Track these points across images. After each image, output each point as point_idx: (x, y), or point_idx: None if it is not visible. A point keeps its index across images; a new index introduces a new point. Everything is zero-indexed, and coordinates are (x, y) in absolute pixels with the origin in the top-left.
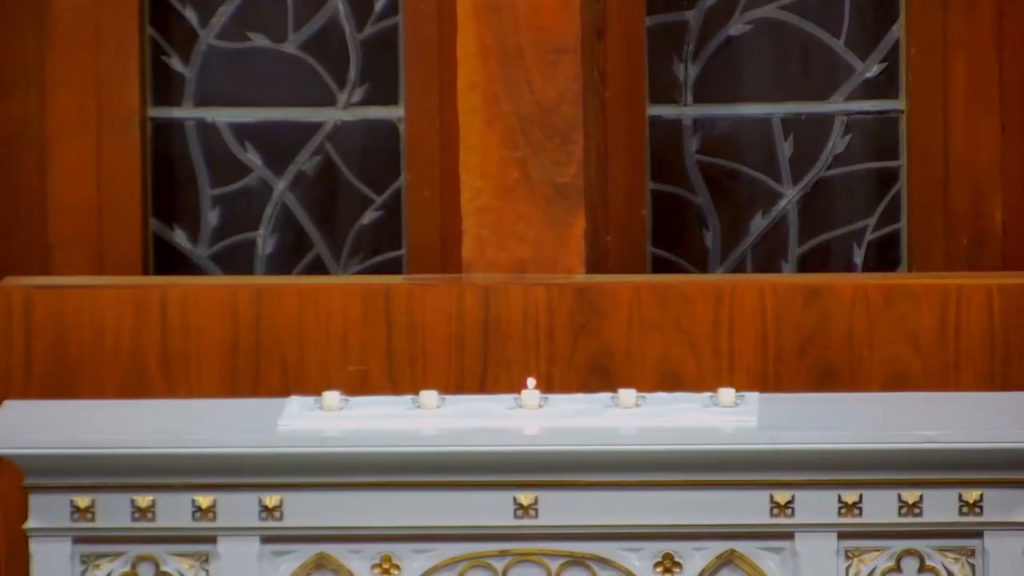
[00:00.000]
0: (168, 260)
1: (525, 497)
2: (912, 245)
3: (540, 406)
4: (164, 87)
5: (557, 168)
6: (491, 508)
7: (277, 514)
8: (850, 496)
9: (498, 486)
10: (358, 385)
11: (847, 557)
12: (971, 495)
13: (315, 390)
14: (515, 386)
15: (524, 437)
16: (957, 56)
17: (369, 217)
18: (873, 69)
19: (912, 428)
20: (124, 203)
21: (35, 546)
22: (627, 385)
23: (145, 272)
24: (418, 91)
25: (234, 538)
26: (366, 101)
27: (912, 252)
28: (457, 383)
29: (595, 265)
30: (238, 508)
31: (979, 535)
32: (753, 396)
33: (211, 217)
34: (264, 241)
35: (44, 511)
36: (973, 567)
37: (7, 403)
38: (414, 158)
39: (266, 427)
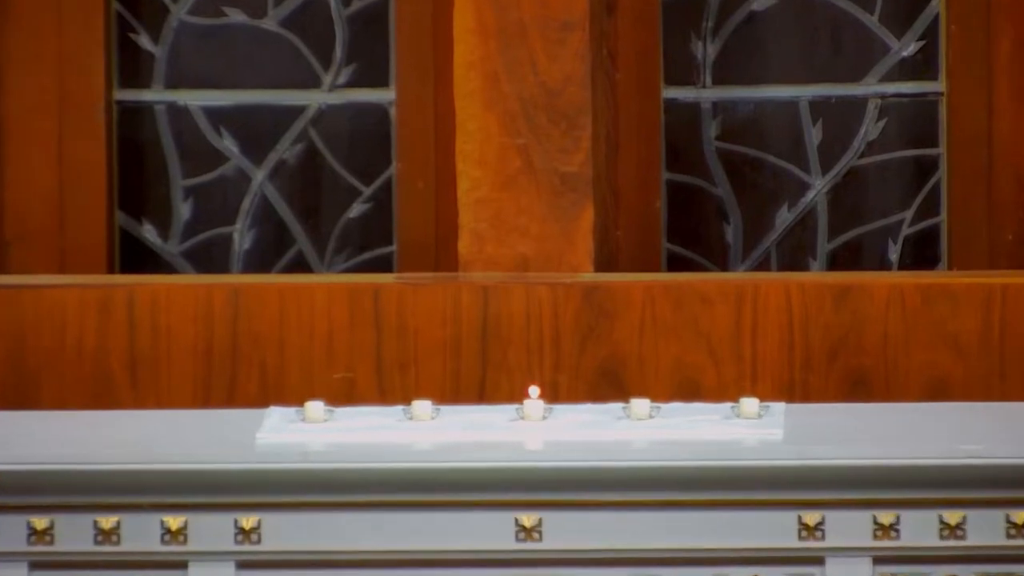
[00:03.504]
0: (136, 257)
1: (528, 518)
2: (952, 240)
3: (544, 418)
4: (132, 67)
5: (563, 156)
6: (490, 530)
7: (255, 537)
8: (886, 517)
9: (498, 506)
10: (344, 394)
11: None
12: (1019, 516)
13: (297, 400)
14: (516, 395)
15: (526, 452)
16: (1002, 33)
17: (357, 210)
18: (910, 48)
19: (954, 442)
20: (88, 194)
21: None
22: (640, 395)
23: (111, 270)
24: (411, 72)
25: (207, 563)
26: (353, 83)
27: (952, 248)
28: (453, 392)
29: (604, 263)
30: (212, 530)
31: None
32: (778, 407)
33: (183, 210)
34: (241, 236)
35: None
36: None
37: None
38: (406, 145)
39: (243, 440)
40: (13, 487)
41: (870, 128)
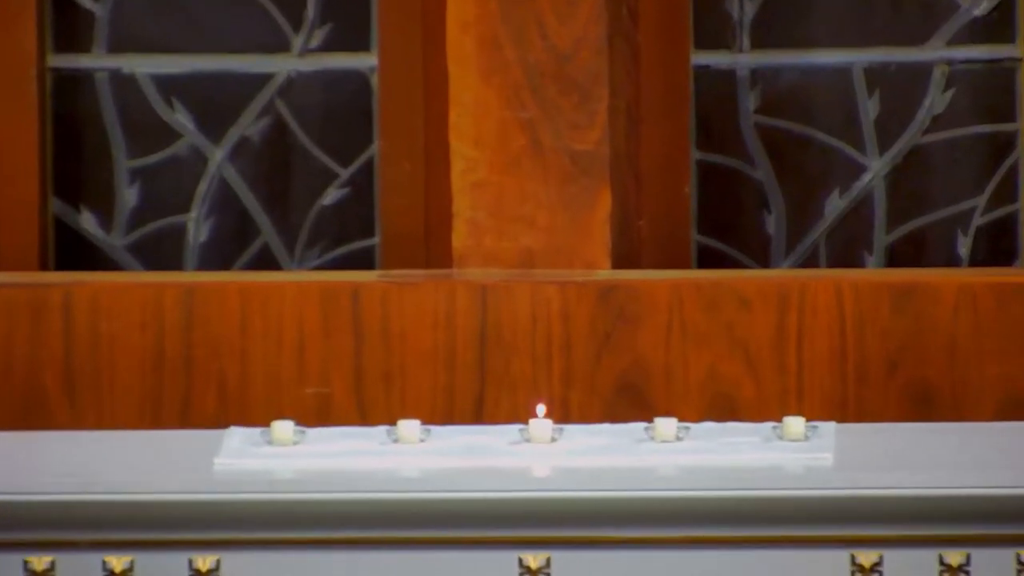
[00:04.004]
0: (74, 251)
1: (534, 558)
2: None
3: (553, 440)
4: (69, 29)
5: (575, 133)
6: (490, 572)
7: None
8: (955, 556)
9: (499, 544)
10: (318, 413)
11: None
12: None
13: (262, 419)
14: (520, 414)
15: (532, 480)
16: None
17: (332, 196)
18: (982, 6)
19: None
20: (16, 179)
21: None
22: (666, 413)
23: (44, 267)
24: (395, 34)
25: None
26: (328, 47)
27: None
28: (445, 410)
29: (624, 258)
30: (162, 571)
31: None
32: (828, 427)
33: (128, 196)
34: (197, 227)
35: None
36: None
37: None
38: (390, 120)
39: (198, 467)
40: None
41: (936, 100)
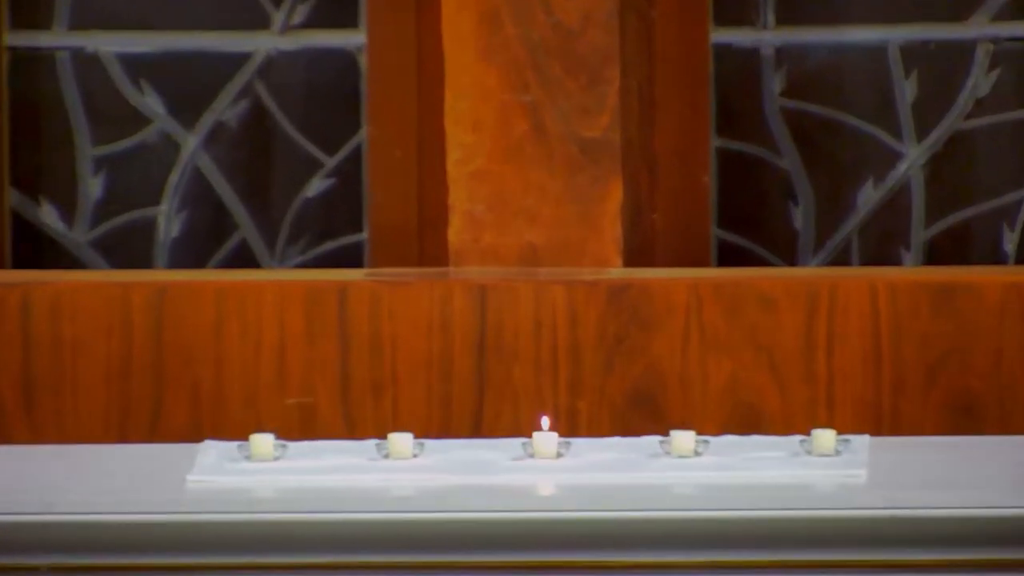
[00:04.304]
0: (32, 248)
1: None
2: None
3: (559, 455)
4: (26, 3)
5: (583, 118)
6: None
7: None
8: None
9: (500, 569)
10: (301, 425)
11: None
12: None
13: (240, 432)
14: (523, 427)
15: (537, 500)
16: None
17: (317, 186)
18: None
19: None
20: None
21: None
22: (683, 425)
23: (0, 265)
24: (386, 9)
25: None
26: (312, 23)
27: None
28: (441, 422)
29: (637, 254)
30: None
31: None
32: (862, 441)
33: (93, 187)
34: (168, 220)
35: None
36: None
37: None
38: (380, 104)
39: (170, 485)
40: None
41: (979, 81)
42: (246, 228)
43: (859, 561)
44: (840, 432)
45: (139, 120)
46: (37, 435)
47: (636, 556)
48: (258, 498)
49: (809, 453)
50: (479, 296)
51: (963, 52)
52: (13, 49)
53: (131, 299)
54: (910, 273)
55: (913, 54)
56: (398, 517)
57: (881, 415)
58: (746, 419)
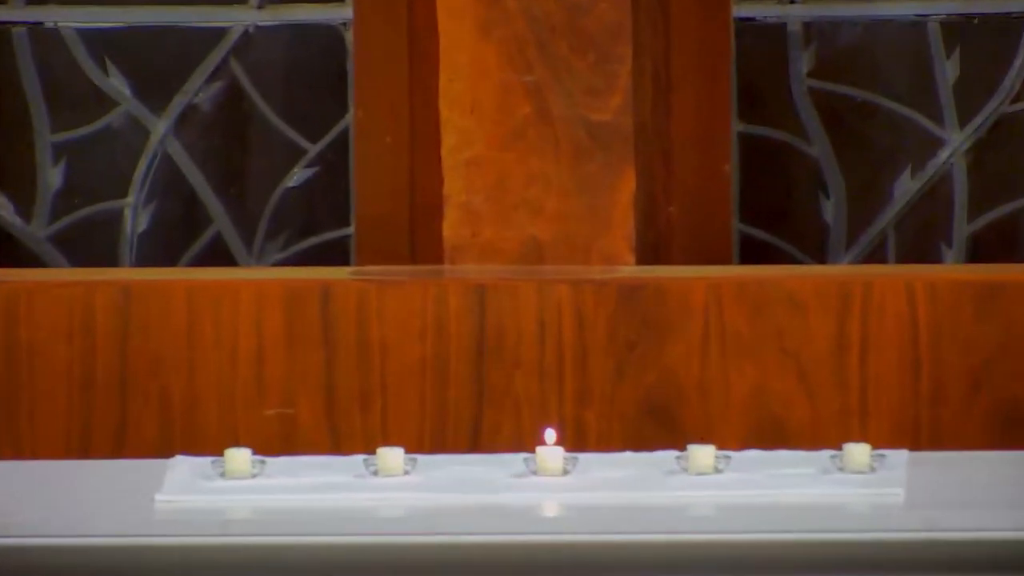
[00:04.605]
0: None
1: None
2: None
3: (565, 472)
4: None
5: (592, 100)
6: None
7: None
8: None
9: None
10: (281, 438)
11: None
12: None
13: (214, 447)
14: (526, 440)
15: (540, 521)
16: None
17: (299, 176)
18: None
19: None
20: None
21: None
22: (701, 439)
23: None
24: None
25: None
26: None
27: None
28: (436, 435)
29: (651, 251)
30: None
31: None
32: (899, 456)
33: (53, 177)
34: (135, 214)
35: None
36: None
37: None
38: (368, 84)
39: (137, 505)
40: None
41: None
42: (221, 222)
43: None
44: (875, 446)
45: (103, 103)
46: None
47: None
48: (233, 519)
49: (841, 470)
50: (477, 297)
51: (1009, 28)
52: None
53: (94, 300)
54: (952, 271)
55: (955, 30)
56: (387, 540)
57: (920, 427)
58: (771, 432)
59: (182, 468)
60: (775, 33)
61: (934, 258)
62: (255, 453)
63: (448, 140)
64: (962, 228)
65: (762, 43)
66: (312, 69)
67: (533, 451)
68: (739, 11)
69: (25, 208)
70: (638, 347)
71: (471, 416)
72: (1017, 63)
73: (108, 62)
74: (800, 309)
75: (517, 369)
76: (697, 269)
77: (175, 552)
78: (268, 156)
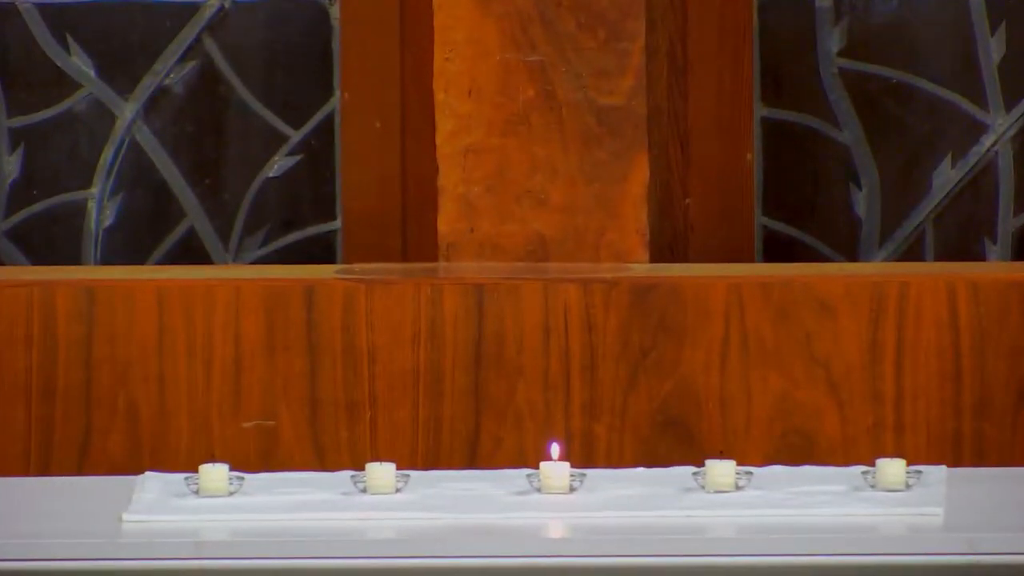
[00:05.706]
0: None
1: None
2: None
3: (572, 489)
4: None
5: (602, 82)
6: None
7: None
8: None
9: None
10: (261, 452)
11: None
12: None
13: (186, 462)
14: (529, 455)
15: (544, 543)
16: None
17: (281, 165)
18: None
19: None
20: None
21: None
22: (720, 453)
23: None
24: None
25: None
26: None
27: None
28: (430, 450)
29: (666, 247)
30: None
31: None
32: (937, 473)
33: (9, 165)
34: (100, 206)
35: None
36: None
37: None
38: (356, 65)
39: (103, 525)
40: None
41: None
42: (194, 216)
43: None
44: (911, 462)
45: (65, 84)
46: None
47: None
48: (208, 541)
49: (873, 487)
50: (475, 298)
51: None
52: None
53: (55, 302)
54: (996, 270)
55: (998, 8)
56: (376, 564)
57: (961, 442)
58: (797, 447)
59: (152, 485)
60: (802, 8)
61: (977, 255)
62: (232, 469)
63: (444, 126)
64: (1008, 222)
65: (787, 19)
66: (294, 48)
67: (536, 467)
68: None
69: None
70: (652, 353)
71: (468, 429)
72: None
73: (70, 40)
74: (829, 312)
75: (519, 377)
76: (716, 267)
77: (145, 575)
78: (246, 143)
